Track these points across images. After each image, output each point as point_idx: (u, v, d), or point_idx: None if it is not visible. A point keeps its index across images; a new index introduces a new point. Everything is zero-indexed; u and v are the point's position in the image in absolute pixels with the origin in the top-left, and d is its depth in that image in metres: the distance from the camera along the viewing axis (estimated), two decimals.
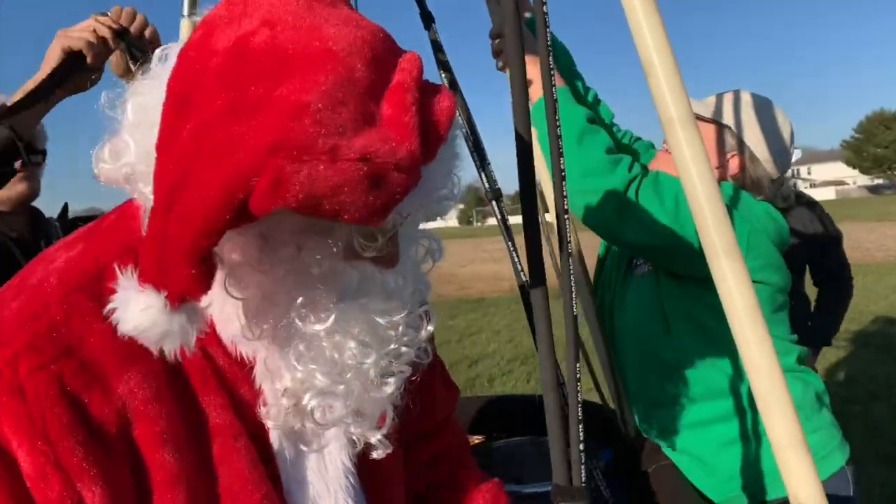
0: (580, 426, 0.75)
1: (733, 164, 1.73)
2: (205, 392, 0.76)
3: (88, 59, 1.44)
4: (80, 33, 1.45)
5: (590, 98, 1.99)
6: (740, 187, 1.72)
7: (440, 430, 1.10)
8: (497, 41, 1.78)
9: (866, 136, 73.32)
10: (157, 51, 0.77)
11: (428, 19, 1.87)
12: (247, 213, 0.59)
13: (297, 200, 0.57)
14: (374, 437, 0.80)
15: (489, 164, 1.88)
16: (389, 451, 0.83)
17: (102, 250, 0.76)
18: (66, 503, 0.67)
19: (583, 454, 0.75)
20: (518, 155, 0.75)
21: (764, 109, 1.74)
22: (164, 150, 0.63)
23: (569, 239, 0.84)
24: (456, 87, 1.86)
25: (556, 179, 0.80)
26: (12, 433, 0.67)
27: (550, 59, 0.80)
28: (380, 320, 0.76)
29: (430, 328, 0.85)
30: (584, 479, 0.75)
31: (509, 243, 1.74)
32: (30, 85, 1.46)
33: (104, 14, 1.55)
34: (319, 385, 0.74)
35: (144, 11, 1.56)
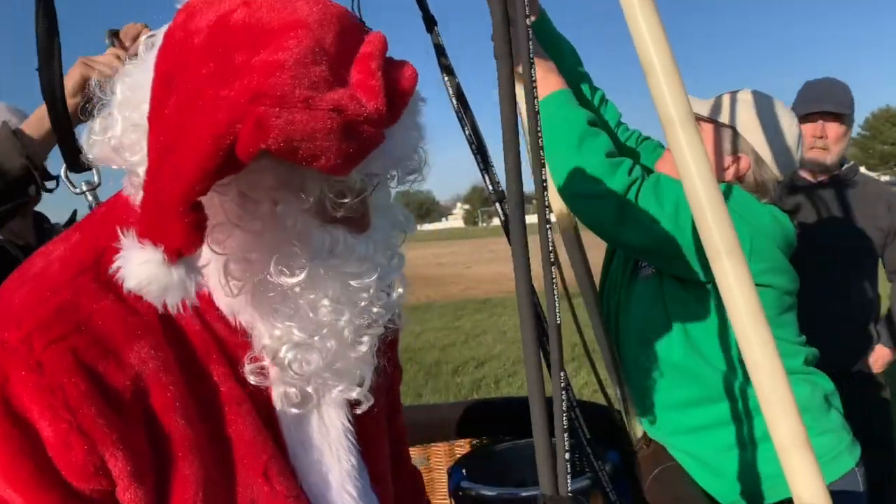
0: (566, 435, 0.75)
1: (738, 166, 1.72)
2: (208, 361, 0.79)
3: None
4: (101, 67, 1.46)
5: (597, 99, 1.98)
6: (745, 189, 1.70)
7: (397, 412, 1.14)
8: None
9: (872, 133, 72.98)
10: (144, 38, 0.81)
11: (430, 23, 1.87)
12: (233, 160, 0.65)
13: (277, 143, 0.64)
14: (356, 393, 0.85)
15: (493, 165, 1.89)
16: (371, 404, 0.88)
17: (99, 236, 0.79)
18: (89, 468, 0.70)
19: (568, 464, 0.75)
20: (505, 157, 0.75)
21: (767, 109, 1.72)
22: (155, 118, 0.69)
23: (551, 245, 0.83)
24: (460, 91, 1.86)
25: (537, 182, 0.79)
26: (33, 404, 0.69)
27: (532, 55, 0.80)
28: (352, 282, 0.80)
29: (402, 291, 0.90)
30: (570, 488, 0.75)
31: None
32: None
33: (115, 31, 1.56)
34: (296, 339, 0.79)
35: (151, 18, 1.57)
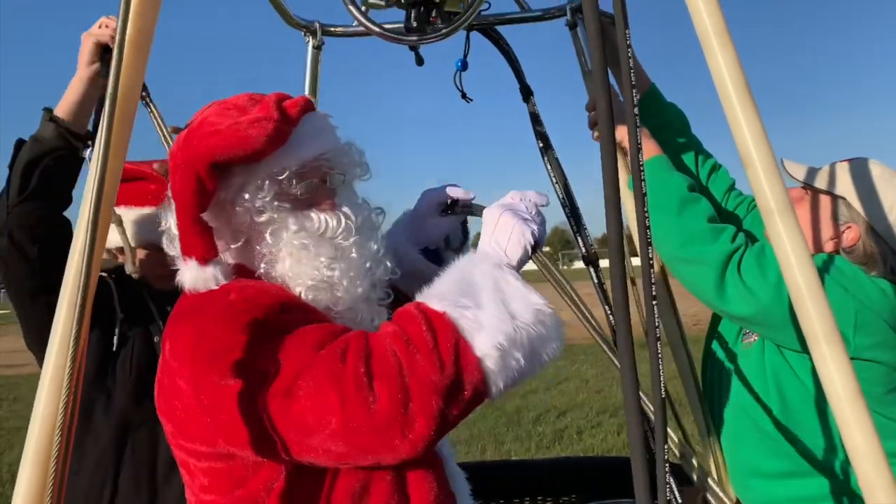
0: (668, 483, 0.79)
1: (848, 237, 1.67)
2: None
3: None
4: (100, 29, 1.72)
5: (707, 165, 1.99)
6: (853, 260, 1.66)
7: None
8: (593, 113, 1.86)
9: None
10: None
11: (527, 93, 1.98)
12: (209, 182, 1.17)
13: (227, 149, 1.15)
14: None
15: (585, 228, 1.95)
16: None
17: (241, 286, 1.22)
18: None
19: None
20: (608, 217, 0.83)
21: (882, 180, 1.67)
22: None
23: (654, 293, 0.89)
24: (552, 155, 1.94)
25: (642, 238, 0.86)
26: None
27: (637, 119, 0.88)
28: (341, 241, 1.25)
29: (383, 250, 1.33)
30: None
31: (606, 308, 1.79)
32: (75, 83, 1.75)
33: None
34: (310, 283, 1.22)
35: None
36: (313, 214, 1.25)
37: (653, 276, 0.89)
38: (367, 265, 1.28)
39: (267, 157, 1.20)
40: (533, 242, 1.25)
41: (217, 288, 1.18)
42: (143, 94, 1.70)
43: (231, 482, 1.14)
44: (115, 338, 1.88)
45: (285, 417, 1.06)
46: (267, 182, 1.21)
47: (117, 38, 1.01)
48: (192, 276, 1.18)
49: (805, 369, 1.64)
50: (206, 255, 1.18)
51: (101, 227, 0.99)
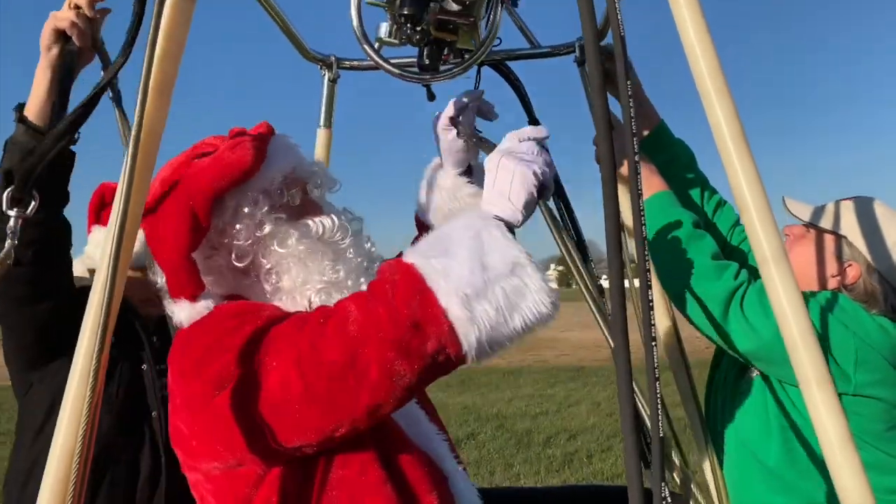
0: None
1: (849, 275, 1.70)
2: None
3: (74, 38, 1.50)
4: (64, 13, 1.51)
5: (713, 202, 2.02)
6: (854, 298, 1.69)
7: None
8: (598, 148, 1.90)
9: None
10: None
11: (536, 125, 2.02)
12: (203, 219, 1.25)
13: (220, 178, 1.25)
14: None
15: (591, 259, 1.98)
16: None
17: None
18: None
19: None
20: (609, 264, 0.86)
21: (883, 219, 1.71)
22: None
23: (652, 322, 0.92)
24: (561, 190, 1.98)
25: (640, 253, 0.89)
26: None
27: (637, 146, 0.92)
28: (339, 243, 1.33)
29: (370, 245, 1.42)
30: None
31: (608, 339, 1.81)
32: (38, 73, 1.53)
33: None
34: (319, 286, 1.29)
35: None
36: (308, 221, 1.33)
37: (652, 317, 0.92)
38: (365, 264, 1.35)
39: (255, 175, 1.28)
40: (537, 184, 1.18)
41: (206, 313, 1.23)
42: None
43: (235, 501, 1.17)
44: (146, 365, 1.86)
45: (261, 400, 1.08)
46: (260, 196, 1.30)
47: (141, 83, 1.06)
48: (187, 314, 1.24)
49: (805, 405, 1.65)
50: (196, 292, 1.24)
51: (121, 263, 1.04)
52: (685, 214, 1.71)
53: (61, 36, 1.51)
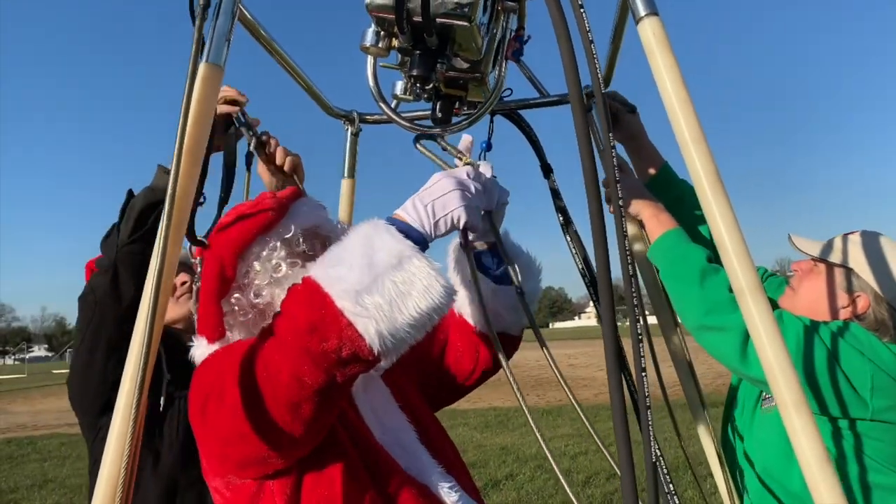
0: None
1: (858, 305, 1.78)
2: None
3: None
4: (225, 102, 1.79)
5: None
6: (866, 327, 1.75)
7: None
8: (608, 189, 1.99)
9: None
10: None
11: (547, 170, 2.12)
12: (229, 270, 1.39)
13: (243, 232, 1.41)
14: None
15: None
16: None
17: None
18: None
19: None
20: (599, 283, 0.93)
21: (889, 252, 1.79)
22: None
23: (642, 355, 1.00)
24: (572, 229, 2.07)
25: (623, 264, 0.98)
26: None
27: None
28: None
29: None
30: None
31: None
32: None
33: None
34: None
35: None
36: None
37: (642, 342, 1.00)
38: None
39: (276, 226, 1.44)
40: (462, 216, 1.30)
41: None
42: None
43: None
44: (163, 398, 1.95)
45: (223, 417, 1.20)
46: (278, 244, 1.44)
47: (175, 149, 1.20)
48: (202, 352, 1.36)
49: (826, 431, 1.69)
50: (214, 336, 1.37)
51: (159, 314, 1.16)
52: (698, 250, 1.78)
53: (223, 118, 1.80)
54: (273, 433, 1.17)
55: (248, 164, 1.89)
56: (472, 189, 1.36)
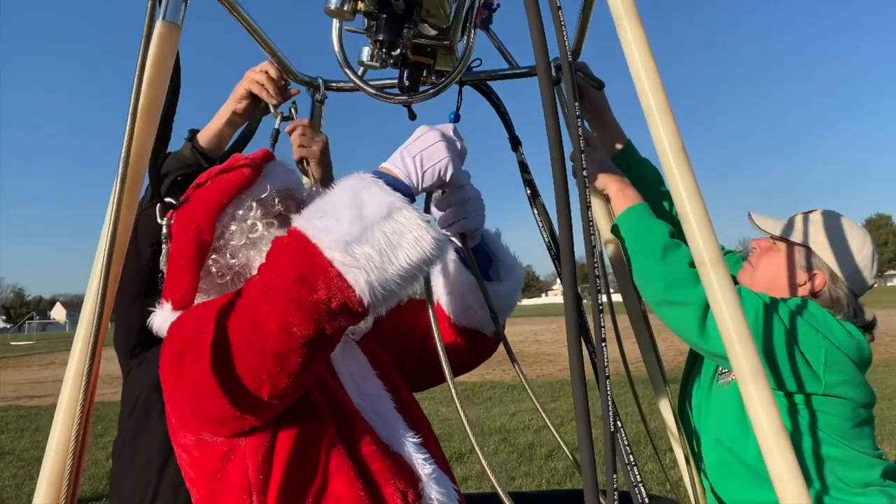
0: None
1: (815, 282, 1.83)
2: None
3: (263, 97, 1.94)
4: (257, 74, 1.95)
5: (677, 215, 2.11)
6: (821, 304, 1.80)
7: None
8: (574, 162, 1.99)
9: None
10: None
11: (515, 143, 2.11)
12: (206, 234, 1.37)
13: (218, 192, 1.40)
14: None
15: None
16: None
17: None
18: None
19: None
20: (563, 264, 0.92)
21: (840, 228, 1.83)
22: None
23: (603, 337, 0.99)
24: (539, 202, 2.06)
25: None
26: None
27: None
28: None
29: None
30: None
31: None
32: (221, 112, 1.99)
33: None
34: None
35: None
36: None
37: (603, 319, 1.00)
38: None
39: (250, 187, 1.43)
40: (448, 166, 1.30)
41: None
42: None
43: (208, 475, 1.29)
44: None
45: (201, 369, 1.18)
46: (254, 204, 1.44)
47: (130, 109, 1.15)
48: (164, 318, 1.34)
49: (783, 406, 1.73)
50: (182, 302, 1.34)
51: (112, 274, 1.13)
52: (661, 225, 1.79)
53: (252, 94, 1.95)
54: (256, 385, 1.15)
55: (274, 140, 1.99)
56: (458, 143, 1.36)
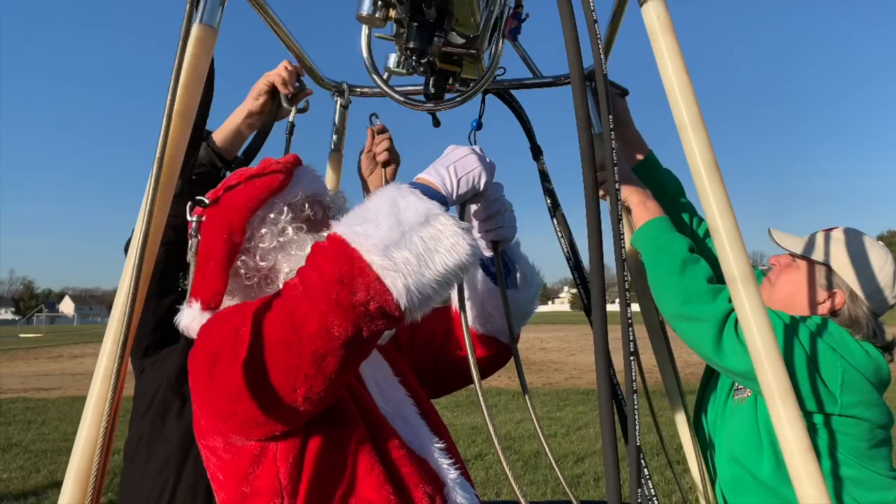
0: None
1: (834, 301, 1.81)
2: None
3: (283, 92, 1.95)
4: (277, 71, 1.95)
5: (703, 228, 2.10)
6: (840, 323, 1.78)
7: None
8: (601, 173, 1.98)
9: None
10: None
11: (537, 152, 2.11)
12: (237, 234, 1.39)
13: (251, 195, 1.41)
14: None
15: (589, 281, 2.06)
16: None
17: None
18: None
19: None
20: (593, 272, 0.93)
21: (862, 247, 1.82)
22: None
23: (632, 349, 0.99)
24: (560, 212, 2.06)
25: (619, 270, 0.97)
26: None
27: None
28: None
29: None
30: None
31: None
32: (237, 112, 1.98)
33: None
34: None
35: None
36: (325, 233, 1.41)
37: (631, 332, 1.00)
38: None
39: (283, 190, 1.45)
40: (482, 176, 1.35)
41: None
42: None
43: (238, 478, 1.29)
44: None
45: (236, 372, 1.18)
46: (285, 207, 1.45)
47: (166, 111, 1.16)
48: (192, 317, 1.34)
49: None
50: (212, 302, 1.35)
51: (143, 274, 1.13)
52: (681, 239, 1.79)
53: (271, 89, 1.95)
54: (292, 387, 1.16)
55: (290, 134, 2.00)
56: (486, 157, 1.41)
